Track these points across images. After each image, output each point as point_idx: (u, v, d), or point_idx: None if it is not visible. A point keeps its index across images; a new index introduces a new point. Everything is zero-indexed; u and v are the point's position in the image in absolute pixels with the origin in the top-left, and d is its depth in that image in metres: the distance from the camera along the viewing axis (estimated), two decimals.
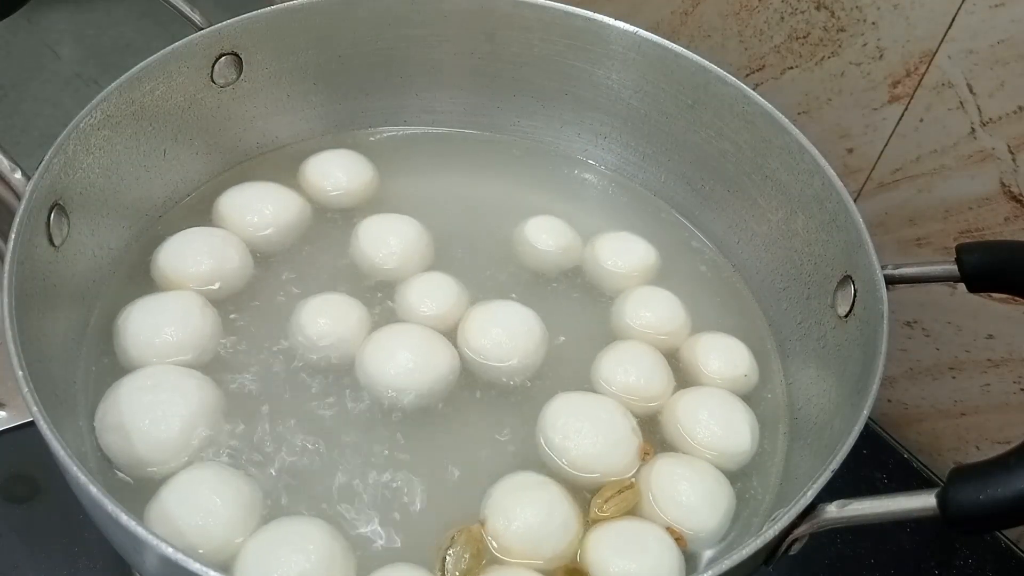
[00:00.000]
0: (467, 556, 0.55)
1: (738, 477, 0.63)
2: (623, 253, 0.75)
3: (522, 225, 0.76)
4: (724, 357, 0.68)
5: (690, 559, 0.58)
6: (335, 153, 0.79)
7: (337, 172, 0.77)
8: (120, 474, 0.58)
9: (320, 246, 0.74)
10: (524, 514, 0.56)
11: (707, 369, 0.68)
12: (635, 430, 0.62)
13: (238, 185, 0.75)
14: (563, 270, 0.75)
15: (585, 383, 0.67)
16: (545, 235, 0.75)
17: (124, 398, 0.59)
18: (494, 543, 0.56)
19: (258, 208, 0.73)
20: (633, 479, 0.60)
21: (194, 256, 0.68)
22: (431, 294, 0.69)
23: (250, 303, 0.69)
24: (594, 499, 0.59)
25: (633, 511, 0.59)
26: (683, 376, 0.68)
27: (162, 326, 0.63)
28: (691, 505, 0.59)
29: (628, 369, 0.66)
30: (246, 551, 0.53)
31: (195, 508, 0.54)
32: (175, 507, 0.54)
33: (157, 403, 0.58)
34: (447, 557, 0.55)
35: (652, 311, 0.70)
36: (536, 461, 0.62)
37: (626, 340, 0.69)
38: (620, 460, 0.61)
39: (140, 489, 0.57)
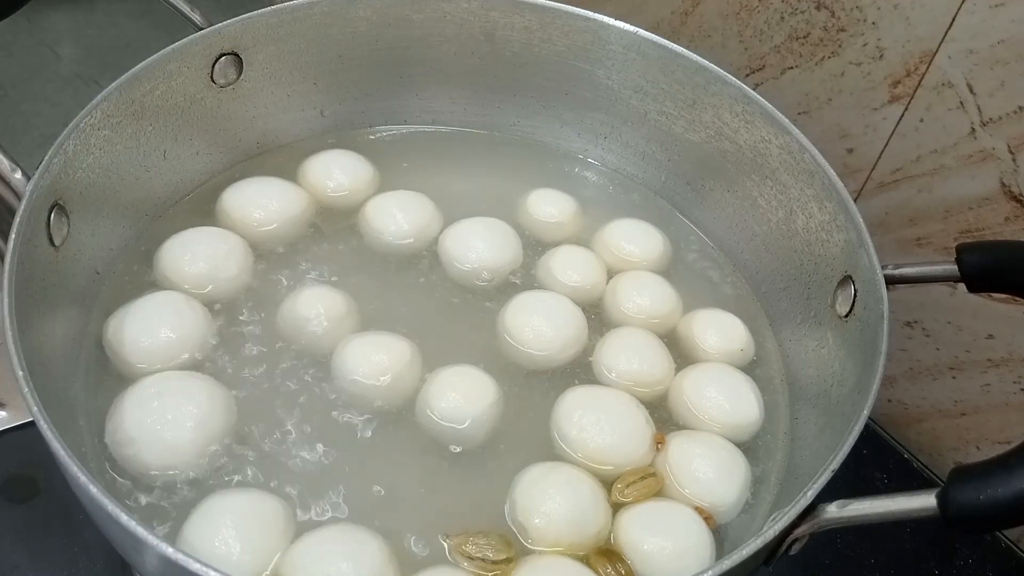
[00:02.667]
0: (489, 542, 0.56)
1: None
2: (635, 239, 0.76)
3: (525, 197, 0.79)
4: (721, 332, 0.70)
5: (717, 534, 0.59)
6: (336, 153, 0.79)
7: (337, 172, 0.78)
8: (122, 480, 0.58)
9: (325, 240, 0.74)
10: (554, 501, 0.57)
11: (704, 344, 0.69)
12: (648, 420, 0.63)
13: (241, 181, 0.75)
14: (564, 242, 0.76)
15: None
16: (548, 206, 0.78)
17: (131, 409, 0.58)
18: (529, 534, 0.57)
19: (262, 204, 0.73)
20: (654, 468, 0.61)
21: (193, 257, 0.68)
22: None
23: (253, 302, 0.69)
24: (615, 484, 0.60)
25: (659, 492, 0.61)
26: (680, 353, 0.69)
27: (154, 328, 0.63)
28: (710, 480, 0.60)
29: (631, 357, 0.67)
30: (291, 557, 0.53)
31: (224, 542, 0.53)
32: (203, 542, 0.53)
33: (166, 409, 0.58)
34: (483, 554, 0.55)
35: (645, 296, 0.71)
36: (551, 456, 0.62)
37: (624, 327, 0.70)
38: (636, 450, 0.61)
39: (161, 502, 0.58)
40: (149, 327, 0.63)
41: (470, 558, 0.55)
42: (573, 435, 0.61)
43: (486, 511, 0.59)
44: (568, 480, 0.58)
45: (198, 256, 0.68)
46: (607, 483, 0.60)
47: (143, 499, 0.57)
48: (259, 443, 0.61)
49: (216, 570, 0.43)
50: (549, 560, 0.56)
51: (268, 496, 0.57)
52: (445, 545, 0.57)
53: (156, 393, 0.59)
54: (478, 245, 0.73)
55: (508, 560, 0.55)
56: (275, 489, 0.58)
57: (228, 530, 0.53)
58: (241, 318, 0.68)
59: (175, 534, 0.55)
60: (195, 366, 0.63)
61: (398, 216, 0.74)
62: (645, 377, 0.66)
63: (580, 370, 0.68)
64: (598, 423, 0.61)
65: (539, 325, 0.67)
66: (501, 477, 0.60)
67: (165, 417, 0.57)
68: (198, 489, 0.58)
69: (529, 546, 0.57)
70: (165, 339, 0.63)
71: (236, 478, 0.59)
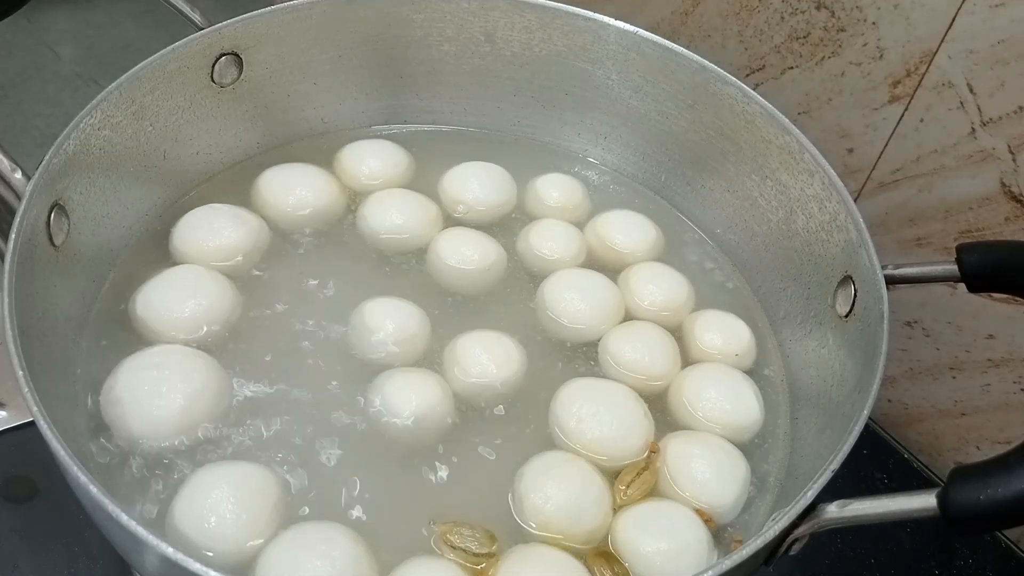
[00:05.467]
0: (474, 534, 0.56)
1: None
2: (629, 230, 0.77)
3: (533, 181, 0.80)
4: (721, 334, 0.70)
5: (716, 535, 0.59)
6: (373, 141, 0.81)
7: (373, 160, 0.79)
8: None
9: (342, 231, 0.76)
10: (561, 489, 0.57)
11: (701, 343, 0.69)
12: (647, 413, 0.63)
13: (277, 166, 0.77)
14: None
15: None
16: (556, 191, 0.79)
17: (128, 375, 0.59)
18: (531, 521, 0.57)
19: (293, 189, 0.74)
20: (647, 462, 0.61)
21: (211, 232, 0.70)
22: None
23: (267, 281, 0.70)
24: (615, 485, 0.60)
25: (654, 491, 0.61)
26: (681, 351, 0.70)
27: (178, 300, 0.64)
28: (709, 481, 0.60)
29: (636, 347, 0.67)
30: (267, 558, 0.53)
31: (209, 511, 0.54)
32: (189, 510, 0.54)
33: (160, 380, 0.59)
34: (465, 545, 0.56)
35: (658, 286, 0.72)
36: (549, 446, 0.63)
37: (635, 320, 0.71)
38: (635, 443, 0.62)
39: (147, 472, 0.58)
40: (171, 297, 0.65)
41: (452, 547, 0.56)
42: (572, 426, 0.62)
43: (487, 498, 0.60)
44: (579, 470, 0.59)
45: (214, 229, 0.70)
46: (606, 475, 0.60)
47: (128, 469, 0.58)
48: (256, 428, 0.61)
49: (216, 571, 0.43)
50: (539, 550, 0.56)
51: (260, 468, 0.57)
52: (431, 532, 0.57)
53: (155, 364, 0.60)
54: (473, 185, 0.77)
55: (490, 555, 0.56)
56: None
57: (219, 501, 0.54)
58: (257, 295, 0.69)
59: (160, 509, 0.56)
60: (205, 341, 0.65)
61: (393, 214, 0.74)
62: (650, 370, 0.66)
63: (583, 360, 0.68)
64: (597, 415, 0.62)
65: (577, 301, 0.69)
66: (502, 468, 0.61)
67: (158, 388, 0.59)
68: (183, 464, 0.58)
69: (529, 528, 0.57)
70: (188, 312, 0.64)
71: (229, 451, 0.60)
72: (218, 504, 0.54)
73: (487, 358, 0.64)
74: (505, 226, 0.78)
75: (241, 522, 0.54)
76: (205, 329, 0.65)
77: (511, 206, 0.79)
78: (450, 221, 0.77)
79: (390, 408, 0.61)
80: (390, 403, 0.61)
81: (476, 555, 0.55)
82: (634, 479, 0.60)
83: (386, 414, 0.61)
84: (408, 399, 0.61)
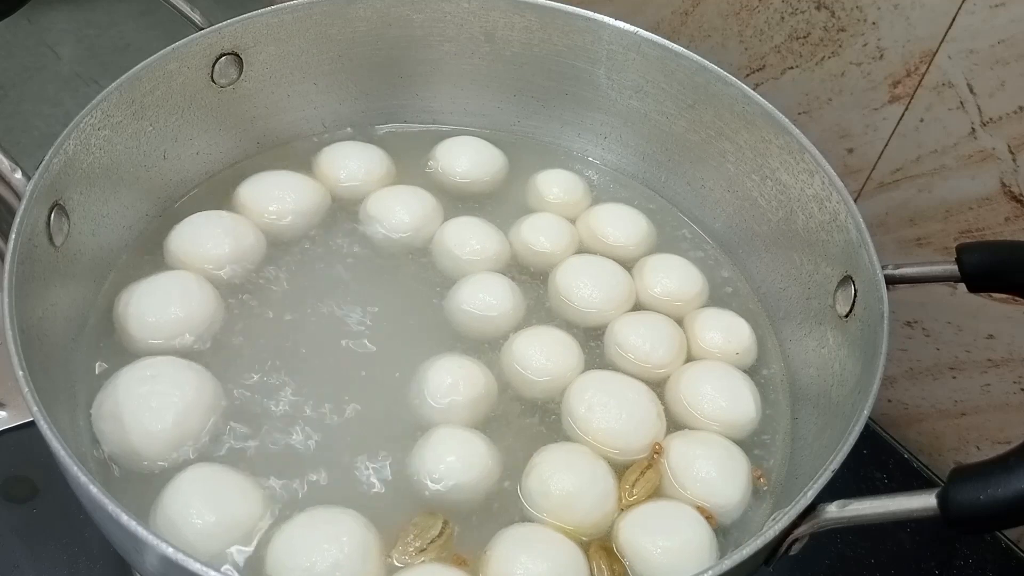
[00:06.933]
0: (419, 525, 0.56)
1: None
2: (620, 224, 0.77)
3: (534, 177, 0.81)
4: (723, 332, 0.70)
5: (719, 533, 0.59)
6: (352, 144, 0.81)
7: (351, 163, 0.79)
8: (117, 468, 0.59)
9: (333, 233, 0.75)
10: (567, 476, 0.58)
11: (702, 340, 0.70)
12: (660, 415, 0.64)
13: (257, 174, 0.76)
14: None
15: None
16: (556, 187, 0.80)
17: (122, 390, 0.59)
18: (535, 503, 0.58)
19: (278, 196, 0.74)
20: (650, 460, 0.62)
21: (208, 239, 0.69)
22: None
23: (262, 289, 0.70)
24: (620, 486, 0.60)
25: (659, 491, 0.61)
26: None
27: (164, 305, 0.64)
28: (713, 480, 0.60)
29: (640, 332, 0.68)
30: (277, 542, 0.54)
31: (195, 514, 0.54)
32: (175, 513, 0.54)
33: (154, 395, 0.58)
34: (427, 537, 0.55)
35: (669, 277, 0.73)
36: (561, 435, 0.63)
37: (640, 311, 0.72)
38: (641, 439, 0.62)
39: (137, 483, 0.58)
40: (157, 304, 0.64)
41: (422, 551, 0.55)
42: (581, 412, 0.62)
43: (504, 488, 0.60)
44: (589, 462, 0.59)
45: (213, 237, 0.69)
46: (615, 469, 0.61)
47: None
48: (247, 438, 0.61)
49: (216, 571, 0.43)
50: (531, 528, 0.56)
51: (233, 471, 0.57)
52: (394, 560, 0.55)
53: (149, 376, 0.59)
54: (455, 152, 0.81)
55: (446, 523, 0.56)
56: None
57: (200, 503, 0.54)
58: (249, 300, 0.69)
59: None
60: (198, 348, 0.64)
61: (398, 210, 0.75)
62: (650, 358, 0.67)
63: (591, 346, 0.69)
64: (606, 405, 0.62)
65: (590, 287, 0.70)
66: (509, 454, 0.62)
67: (150, 403, 0.58)
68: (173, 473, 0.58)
69: (534, 514, 0.58)
70: (172, 317, 0.64)
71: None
72: (195, 511, 0.54)
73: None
74: (481, 203, 0.79)
75: (221, 527, 0.54)
76: (186, 337, 0.64)
77: (488, 184, 0.80)
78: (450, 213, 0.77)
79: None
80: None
81: (440, 535, 0.55)
82: (638, 479, 0.60)
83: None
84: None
